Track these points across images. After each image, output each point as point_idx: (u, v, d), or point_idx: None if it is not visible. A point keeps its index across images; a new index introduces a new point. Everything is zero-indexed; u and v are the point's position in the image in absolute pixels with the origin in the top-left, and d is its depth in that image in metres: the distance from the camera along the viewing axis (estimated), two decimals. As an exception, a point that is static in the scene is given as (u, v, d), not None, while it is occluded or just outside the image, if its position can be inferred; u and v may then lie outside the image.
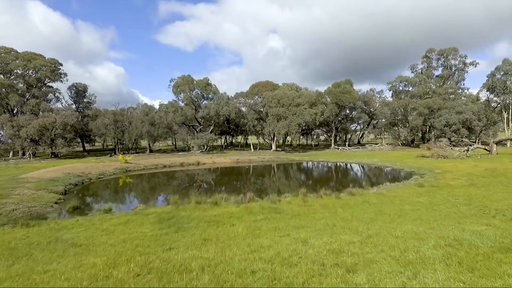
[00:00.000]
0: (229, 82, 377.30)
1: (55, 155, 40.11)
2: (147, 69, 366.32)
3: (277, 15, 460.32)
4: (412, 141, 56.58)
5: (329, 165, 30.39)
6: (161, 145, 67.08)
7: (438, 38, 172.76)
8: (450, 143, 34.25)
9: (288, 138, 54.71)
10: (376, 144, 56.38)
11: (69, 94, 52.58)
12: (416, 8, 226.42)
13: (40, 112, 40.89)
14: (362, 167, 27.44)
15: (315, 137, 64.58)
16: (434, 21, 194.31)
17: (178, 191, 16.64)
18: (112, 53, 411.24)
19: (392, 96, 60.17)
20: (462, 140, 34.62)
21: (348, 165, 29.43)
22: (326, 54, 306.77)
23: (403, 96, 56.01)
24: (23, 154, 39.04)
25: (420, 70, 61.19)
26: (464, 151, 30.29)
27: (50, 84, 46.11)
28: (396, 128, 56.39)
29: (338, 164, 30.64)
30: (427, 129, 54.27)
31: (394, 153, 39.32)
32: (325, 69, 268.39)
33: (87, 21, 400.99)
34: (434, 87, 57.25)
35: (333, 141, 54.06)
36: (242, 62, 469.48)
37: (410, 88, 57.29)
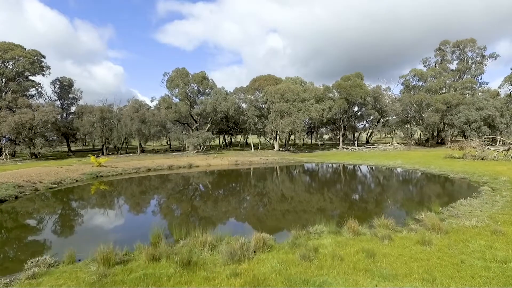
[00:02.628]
0: (229, 82, 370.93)
1: (35, 156, 36.06)
2: (146, 68, 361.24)
3: (277, 14, 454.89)
4: (427, 140, 51.96)
5: (346, 168, 25.50)
6: (154, 144, 62.52)
7: (439, 36, 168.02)
8: (484, 142, 29.68)
9: (292, 137, 50.17)
10: (386, 143, 51.82)
11: (53, 89, 47.77)
12: (417, 6, 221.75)
13: (18, 108, 36.45)
14: (389, 171, 22.59)
15: (319, 136, 59.93)
16: (435, 19, 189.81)
17: (143, 215, 11.62)
18: (110, 52, 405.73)
19: (401, 93, 55.57)
20: (501, 139, 30.07)
21: (370, 169, 24.36)
22: (326, 53, 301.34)
23: (414, 92, 51.40)
24: (0, 154, 34.87)
25: (433, 64, 56.63)
26: (502, 151, 26.07)
27: (32, 78, 41.55)
28: (409, 126, 51.70)
29: (355, 167, 25.78)
30: (443, 127, 49.75)
31: (413, 153, 34.67)
32: (326, 68, 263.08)
33: (85, 20, 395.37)
34: (448, 82, 52.74)
35: (341, 140, 49.39)
36: (242, 62, 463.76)
37: (423, 83, 52.67)
